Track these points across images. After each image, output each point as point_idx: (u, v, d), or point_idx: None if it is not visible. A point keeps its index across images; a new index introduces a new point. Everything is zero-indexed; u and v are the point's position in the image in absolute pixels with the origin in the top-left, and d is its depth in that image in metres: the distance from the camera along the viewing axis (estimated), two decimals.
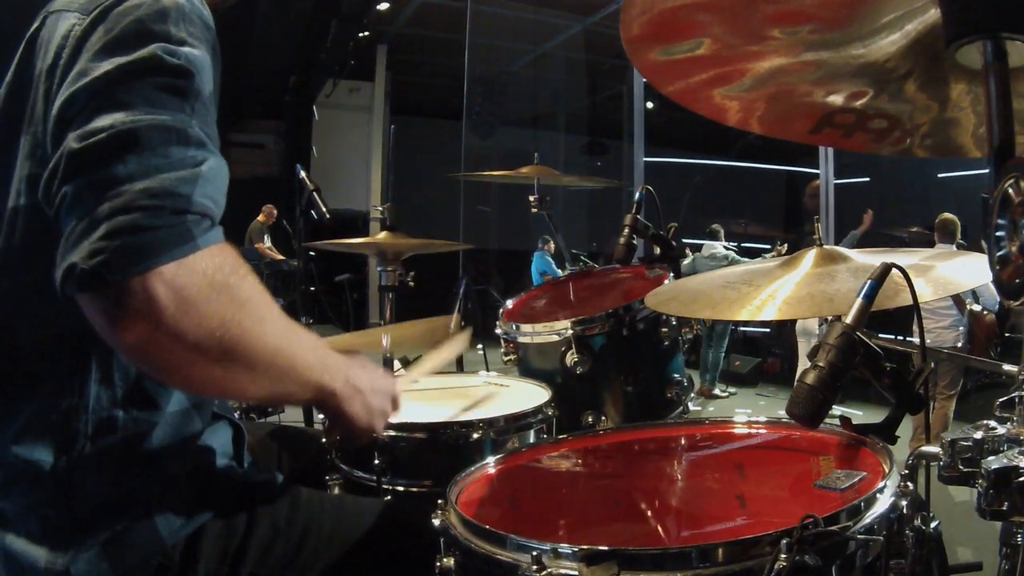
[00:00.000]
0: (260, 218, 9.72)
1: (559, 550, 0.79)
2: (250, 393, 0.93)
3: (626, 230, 2.00)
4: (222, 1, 1.12)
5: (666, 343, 1.77)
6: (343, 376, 1.02)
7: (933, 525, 0.90)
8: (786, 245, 7.63)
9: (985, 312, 5.08)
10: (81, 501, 0.97)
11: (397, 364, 2.30)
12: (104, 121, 0.82)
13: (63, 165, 0.83)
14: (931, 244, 5.19)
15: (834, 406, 0.98)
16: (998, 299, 4.83)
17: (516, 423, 1.50)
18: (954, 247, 5.00)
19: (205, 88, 0.91)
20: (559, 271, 9.13)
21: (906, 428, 1.10)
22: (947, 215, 5.12)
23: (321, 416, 1.40)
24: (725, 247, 7.59)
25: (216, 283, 0.84)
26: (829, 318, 1.14)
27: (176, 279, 0.80)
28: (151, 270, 0.79)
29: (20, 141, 0.95)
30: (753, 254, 7.87)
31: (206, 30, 0.95)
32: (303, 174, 2.87)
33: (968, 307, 4.87)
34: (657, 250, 2.04)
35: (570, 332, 1.72)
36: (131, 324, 0.80)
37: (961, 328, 4.85)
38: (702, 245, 7.46)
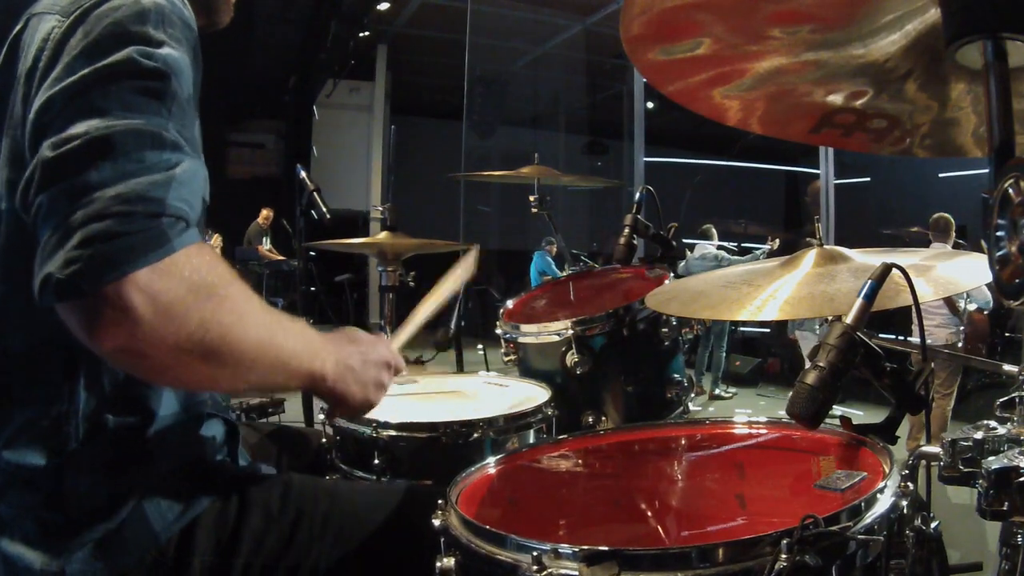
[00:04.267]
0: (259, 220, 9.76)
1: (559, 550, 0.79)
2: (239, 387, 0.93)
3: (626, 230, 2.00)
4: (209, 25, 1.12)
5: (666, 343, 1.77)
6: (332, 358, 1.02)
7: (933, 525, 0.90)
8: (777, 240, 7.66)
9: (977, 310, 5.10)
10: (74, 503, 0.97)
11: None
12: (79, 128, 0.82)
13: (38, 174, 0.83)
14: (929, 243, 5.22)
15: (834, 406, 0.98)
16: (990, 298, 4.88)
17: (516, 423, 1.50)
18: (949, 246, 5.02)
19: (183, 90, 0.91)
20: (559, 272, 9.12)
21: (903, 426, 1.10)
22: (941, 214, 5.20)
23: (321, 417, 1.41)
24: (719, 247, 7.60)
25: (193, 284, 0.84)
26: (829, 318, 1.14)
27: (151, 284, 0.80)
28: (125, 277, 0.79)
29: (2, 144, 0.95)
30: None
31: (187, 31, 0.94)
32: (303, 174, 2.87)
33: (961, 306, 4.89)
34: (658, 250, 2.03)
35: (570, 332, 1.71)
36: (109, 332, 0.80)
37: (953, 327, 4.87)
38: (695, 245, 7.47)
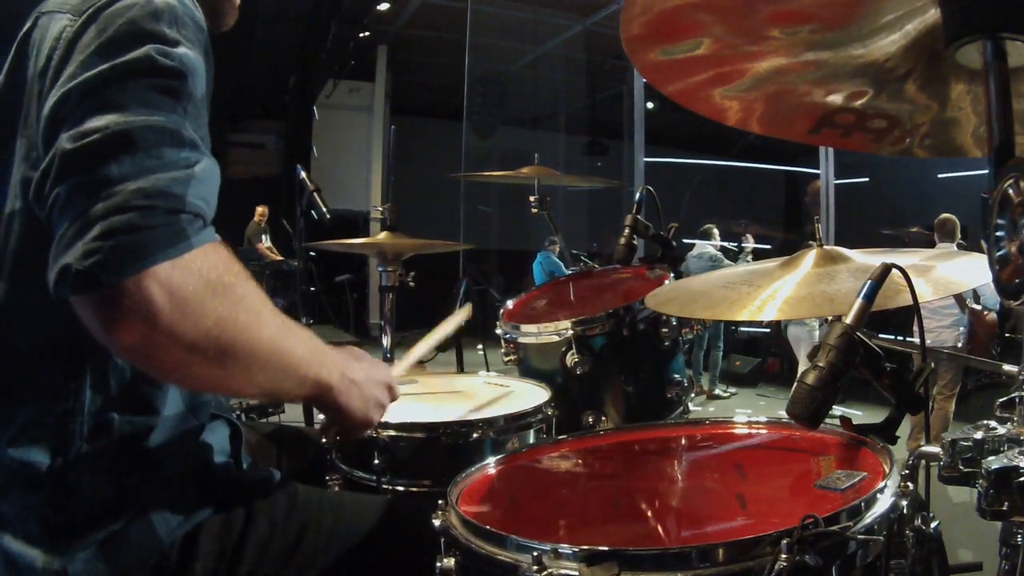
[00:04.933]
0: (255, 218, 9.78)
1: (559, 550, 0.79)
2: (248, 390, 0.93)
3: (626, 230, 2.00)
4: (213, 27, 1.12)
5: (666, 343, 1.77)
6: (339, 370, 1.02)
7: (933, 525, 0.90)
8: (751, 237, 7.68)
9: (986, 311, 5.09)
10: (78, 502, 0.97)
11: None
12: (98, 122, 0.82)
13: (56, 166, 0.82)
14: (931, 244, 5.22)
15: (834, 406, 0.98)
16: (999, 298, 4.84)
17: (516, 423, 1.50)
18: (954, 246, 5.02)
19: (198, 90, 0.91)
20: (566, 272, 9.09)
21: (904, 427, 1.10)
22: (947, 215, 5.18)
23: (321, 416, 1.41)
24: (719, 247, 7.61)
25: (211, 282, 0.84)
26: (829, 319, 1.14)
27: (171, 279, 0.80)
28: (146, 270, 0.79)
29: (16, 144, 0.95)
30: (754, 254, 7.87)
31: (199, 32, 0.94)
32: (303, 174, 2.87)
33: (969, 306, 4.88)
34: (658, 251, 2.04)
35: (570, 332, 1.72)
36: (126, 325, 0.79)
37: (962, 328, 4.86)
38: (694, 245, 7.48)
